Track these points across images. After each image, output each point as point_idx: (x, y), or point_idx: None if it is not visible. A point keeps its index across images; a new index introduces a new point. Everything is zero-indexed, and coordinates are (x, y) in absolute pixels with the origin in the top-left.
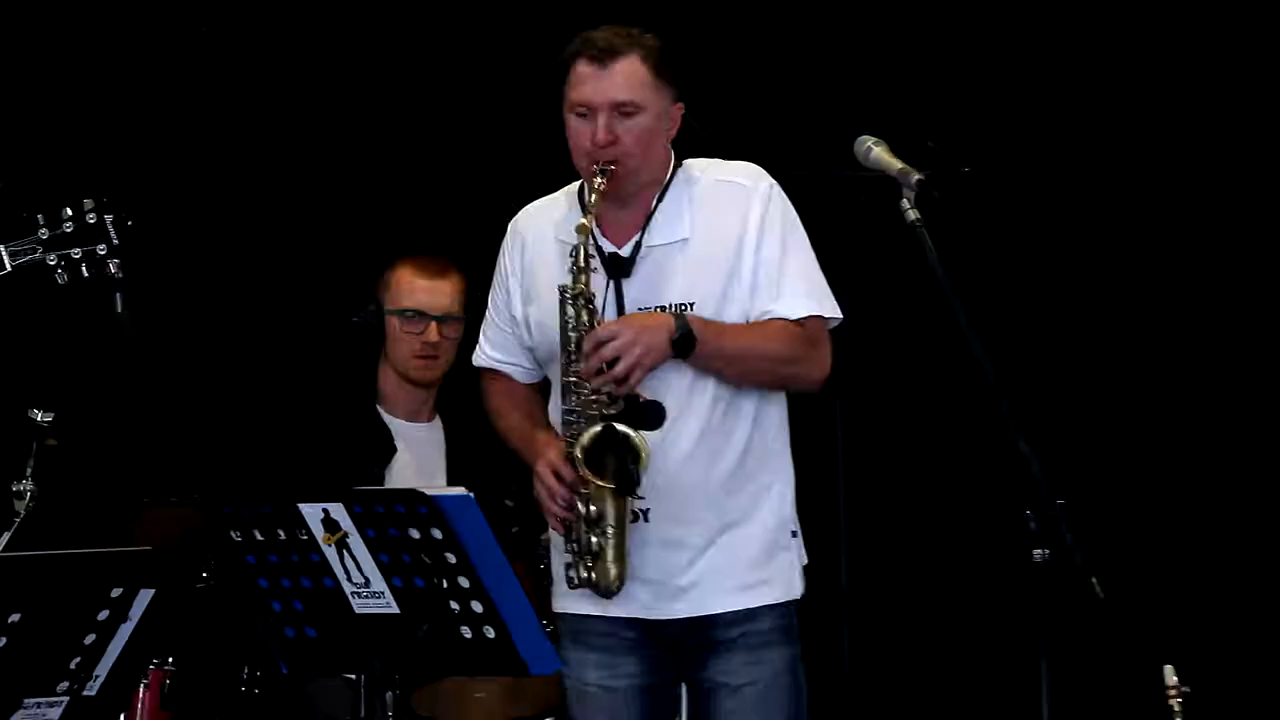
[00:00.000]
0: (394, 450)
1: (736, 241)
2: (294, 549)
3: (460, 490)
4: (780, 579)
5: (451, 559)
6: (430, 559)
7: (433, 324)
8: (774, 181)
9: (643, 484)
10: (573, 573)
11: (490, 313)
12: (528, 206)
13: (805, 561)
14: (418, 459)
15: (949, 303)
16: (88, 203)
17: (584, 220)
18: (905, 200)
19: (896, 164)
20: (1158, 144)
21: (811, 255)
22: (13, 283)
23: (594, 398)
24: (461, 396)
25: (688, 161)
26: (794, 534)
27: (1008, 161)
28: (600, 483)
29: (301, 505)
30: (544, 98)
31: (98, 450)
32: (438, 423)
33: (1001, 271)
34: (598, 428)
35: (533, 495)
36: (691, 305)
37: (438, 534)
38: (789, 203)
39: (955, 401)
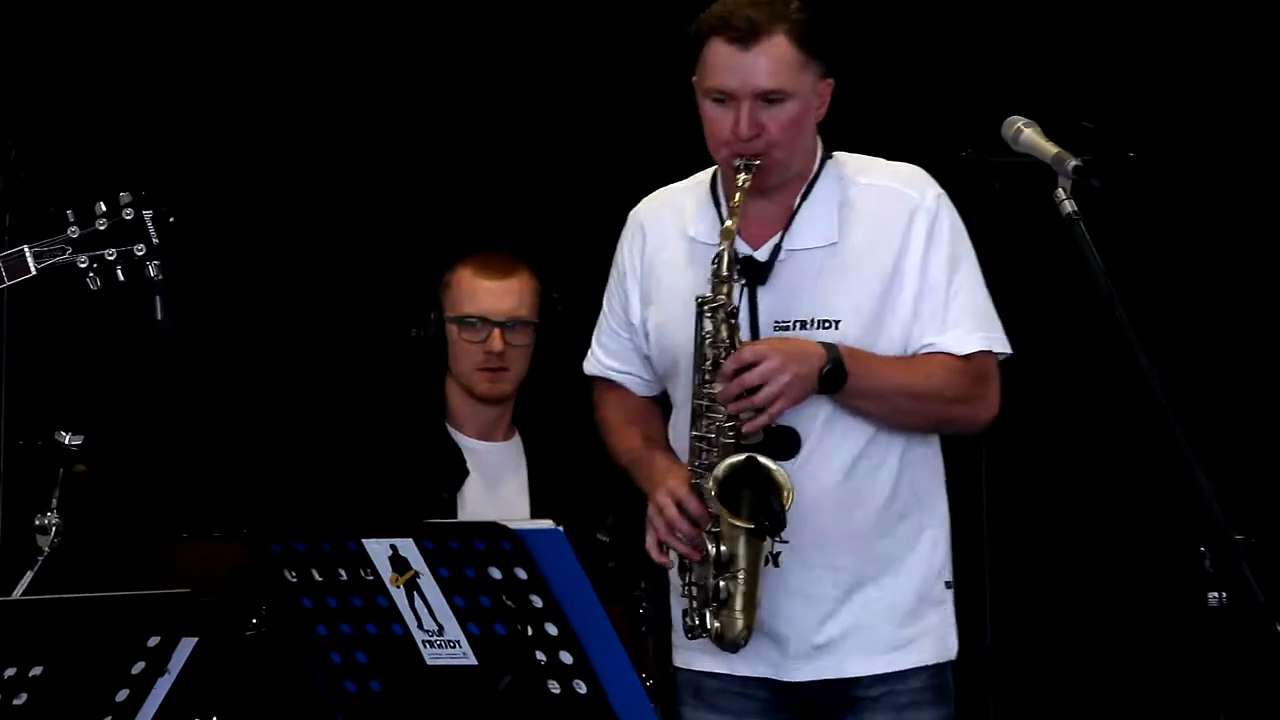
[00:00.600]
0: (466, 473)
1: (895, 258)
2: (357, 591)
3: (547, 523)
4: (931, 637)
5: (537, 602)
6: (513, 602)
7: (495, 331)
8: (942, 191)
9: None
10: (692, 620)
11: (605, 314)
12: (649, 197)
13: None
14: (493, 483)
15: (1111, 310)
16: (124, 196)
17: (729, 223)
18: (1060, 190)
19: (1051, 148)
20: None
21: (980, 279)
22: (39, 287)
23: (729, 424)
24: (543, 409)
25: (840, 155)
26: (948, 585)
27: (1181, 145)
28: (737, 521)
29: (365, 541)
30: (623, 85)
31: (132, 478)
32: (516, 441)
33: (1173, 274)
34: (738, 458)
35: (630, 528)
36: (836, 324)
37: (522, 574)
38: (958, 217)
39: (1118, 425)
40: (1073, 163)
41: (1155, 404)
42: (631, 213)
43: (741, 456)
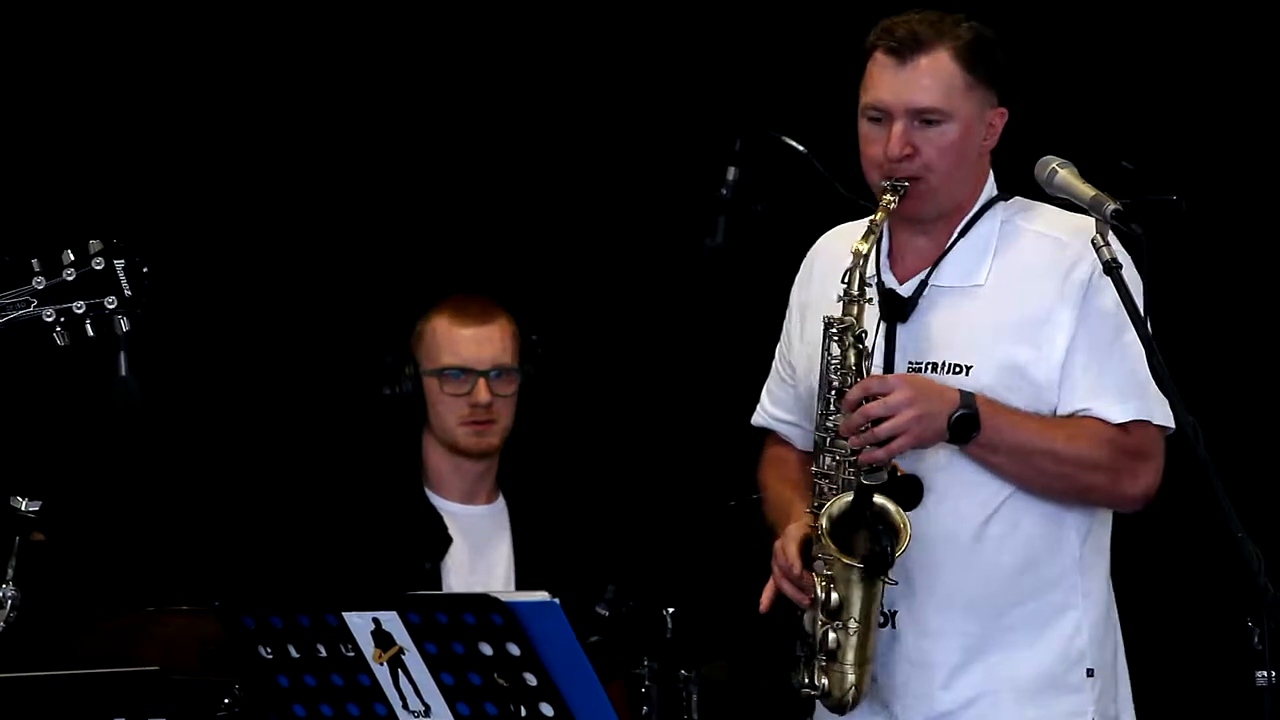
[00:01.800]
0: (449, 540)
1: (1048, 308)
2: (337, 668)
3: (542, 595)
4: None
5: (531, 680)
6: (506, 680)
7: (481, 381)
8: (1119, 247)
9: (893, 575)
10: (800, 677)
11: (775, 363)
12: (828, 233)
13: (1113, 715)
14: (478, 551)
15: (1151, 361)
16: (94, 244)
17: (860, 243)
18: (1098, 235)
19: (1088, 190)
20: None
21: (1141, 348)
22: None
23: (852, 460)
24: (530, 469)
25: (1020, 198)
26: (1090, 673)
27: (1228, 187)
28: (845, 559)
29: (346, 614)
30: (615, 121)
31: (93, 547)
32: (501, 504)
33: (1219, 326)
34: (851, 495)
35: (632, 600)
36: (969, 369)
37: (515, 649)
38: (1132, 275)
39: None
40: (1112, 206)
41: (1198, 465)
42: (809, 251)
43: (852, 494)
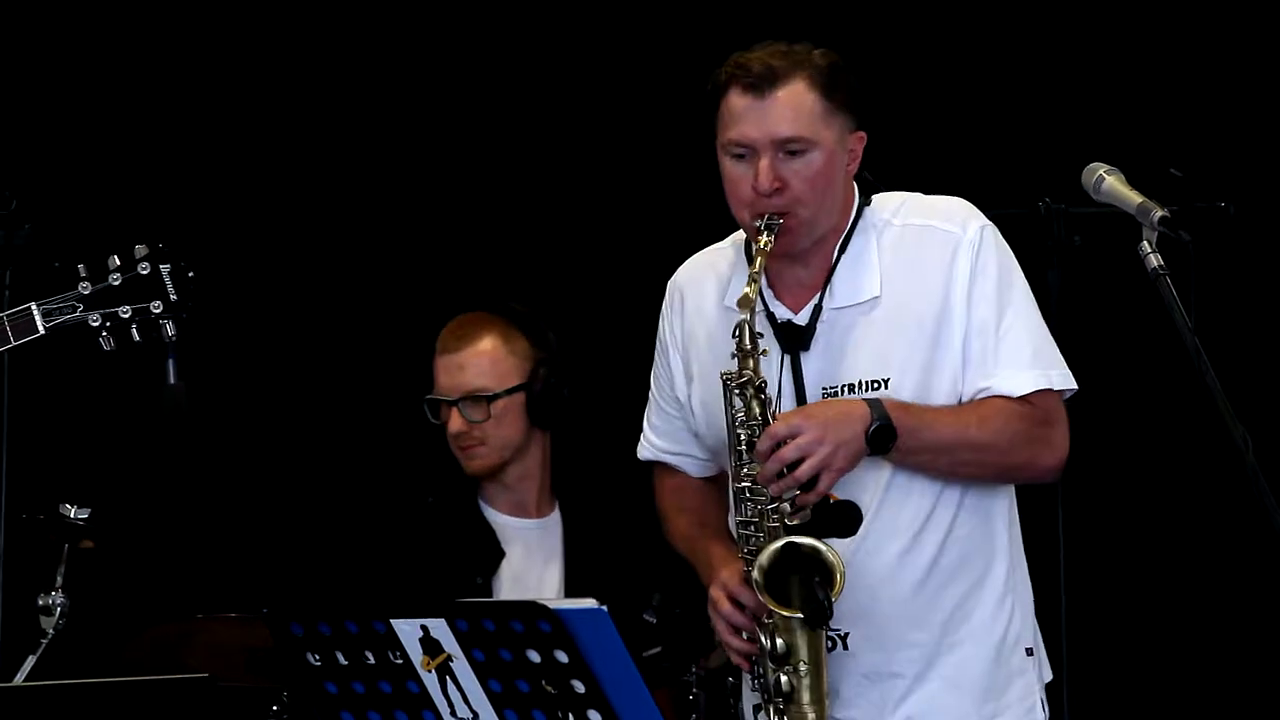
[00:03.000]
0: (501, 554)
1: (941, 302)
2: (385, 676)
3: (590, 602)
4: (1016, 709)
5: (579, 688)
6: (553, 687)
7: (452, 411)
8: (987, 222)
9: (840, 602)
10: (763, 717)
11: (653, 393)
12: (689, 261)
13: (1049, 678)
14: (527, 565)
15: (1198, 370)
16: (140, 250)
17: (746, 290)
18: (1146, 243)
19: (1135, 198)
20: None
21: (1034, 312)
22: (47, 348)
23: (774, 506)
24: (585, 478)
25: (878, 198)
26: (1029, 652)
27: (1276, 194)
28: (785, 612)
29: (394, 621)
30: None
31: (142, 554)
32: (554, 517)
33: (1267, 332)
34: (778, 544)
35: (680, 607)
36: (886, 382)
37: (563, 656)
38: (1005, 248)
39: (1204, 489)
40: (1159, 213)
41: (1247, 474)
42: (670, 281)
43: (780, 543)
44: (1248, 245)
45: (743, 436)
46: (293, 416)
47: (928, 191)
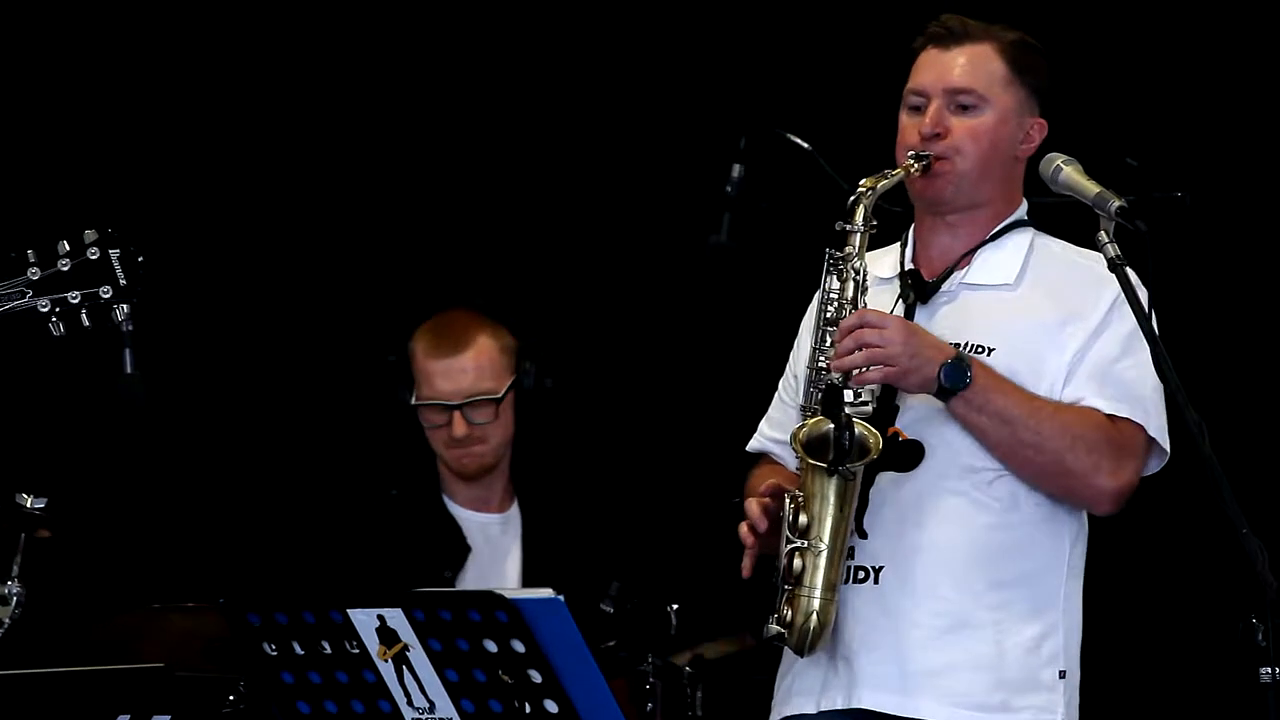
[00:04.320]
0: (468, 549)
1: (1071, 316)
2: (342, 665)
3: (547, 592)
4: (1030, 712)
5: (536, 677)
6: (510, 677)
7: (456, 415)
8: (1141, 286)
9: (882, 537)
10: (769, 619)
11: (779, 391)
12: None
13: (1071, 700)
14: (489, 559)
15: (1155, 358)
16: (89, 235)
17: (869, 180)
18: (1103, 233)
19: (1093, 188)
20: None
21: (1154, 376)
22: None
23: (842, 386)
24: (544, 473)
25: (1042, 233)
26: (1062, 675)
27: (1233, 184)
28: (811, 460)
29: (351, 611)
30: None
31: (99, 544)
32: (514, 512)
33: (1224, 323)
34: (827, 424)
35: (636, 597)
36: (991, 351)
37: (519, 646)
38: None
39: (1162, 484)
40: (1116, 203)
41: (1202, 461)
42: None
43: (827, 422)
44: (1204, 235)
45: (829, 315)
46: (252, 407)
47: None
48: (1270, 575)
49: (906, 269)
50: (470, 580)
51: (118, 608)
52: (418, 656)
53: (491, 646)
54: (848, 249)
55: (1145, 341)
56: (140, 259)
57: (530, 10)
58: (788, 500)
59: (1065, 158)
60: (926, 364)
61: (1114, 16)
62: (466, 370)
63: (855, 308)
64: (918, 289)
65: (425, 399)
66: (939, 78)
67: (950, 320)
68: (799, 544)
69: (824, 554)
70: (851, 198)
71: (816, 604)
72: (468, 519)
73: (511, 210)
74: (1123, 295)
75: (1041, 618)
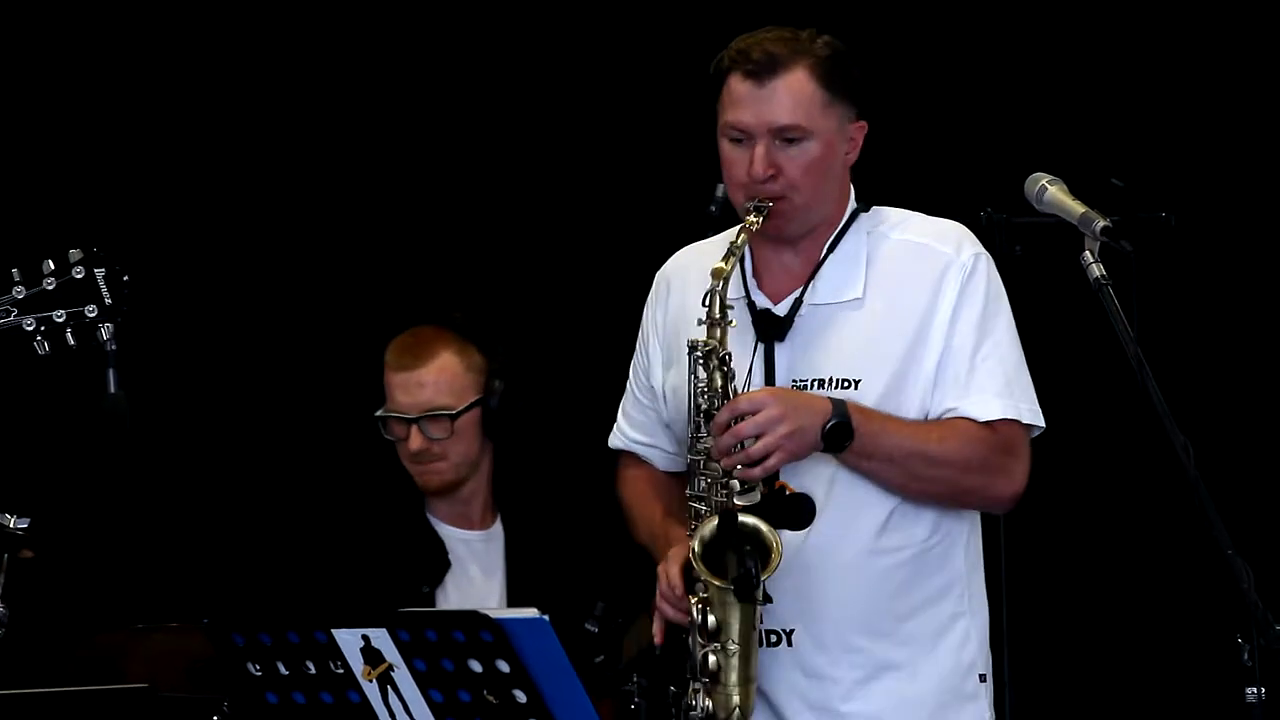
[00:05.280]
0: (448, 565)
1: (923, 317)
2: (326, 686)
3: (532, 612)
4: None
5: (521, 697)
6: (495, 697)
7: (413, 429)
8: (982, 251)
9: (787, 599)
10: (687, 702)
11: (630, 384)
12: (679, 252)
13: (990, 703)
14: (470, 576)
15: (1140, 380)
16: (74, 254)
17: (720, 263)
18: (1088, 253)
19: (1078, 208)
20: None
21: (1015, 346)
22: None
23: (724, 481)
24: (528, 489)
25: (877, 208)
26: (982, 678)
27: (1220, 203)
28: (717, 582)
29: (336, 631)
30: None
31: (83, 564)
32: (497, 528)
33: (1210, 344)
34: (718, 519)
35: (622, 617)
36: (857, 384)
37: (504, 666)
38: (996, 279)
39: (1148, 504)
40: (1101, 223)
41: (1189, 483)
42: (659, 271)
43: (719, 518)
44: (1189, 256)
45: (702, 406)
46: (235, 424)
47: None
48: (1256, 596)
49: (751, 298)
50: (450, 596)
51: (101, 628)
52: (402, 677)
53: (476, 667)
54: (711, 341)
55: (1001, 310)
56: (125, 278)
57: (509, 21)
58: (693, 601)
59: (1050, 177)
60: (807, 433)
61: (1101, 36)
62: (424, 384)
63: (726, 398)
64: (771, 327)
65: (387, 411)
66: (759, 117)
67: (810, 352)
68: (712, 645)
69: (737, 653)
70: (706, 292)
71: (737, 699)
72: (450, 534)
73: (498, 226)
74: (969, 268)
75: (952, 632)
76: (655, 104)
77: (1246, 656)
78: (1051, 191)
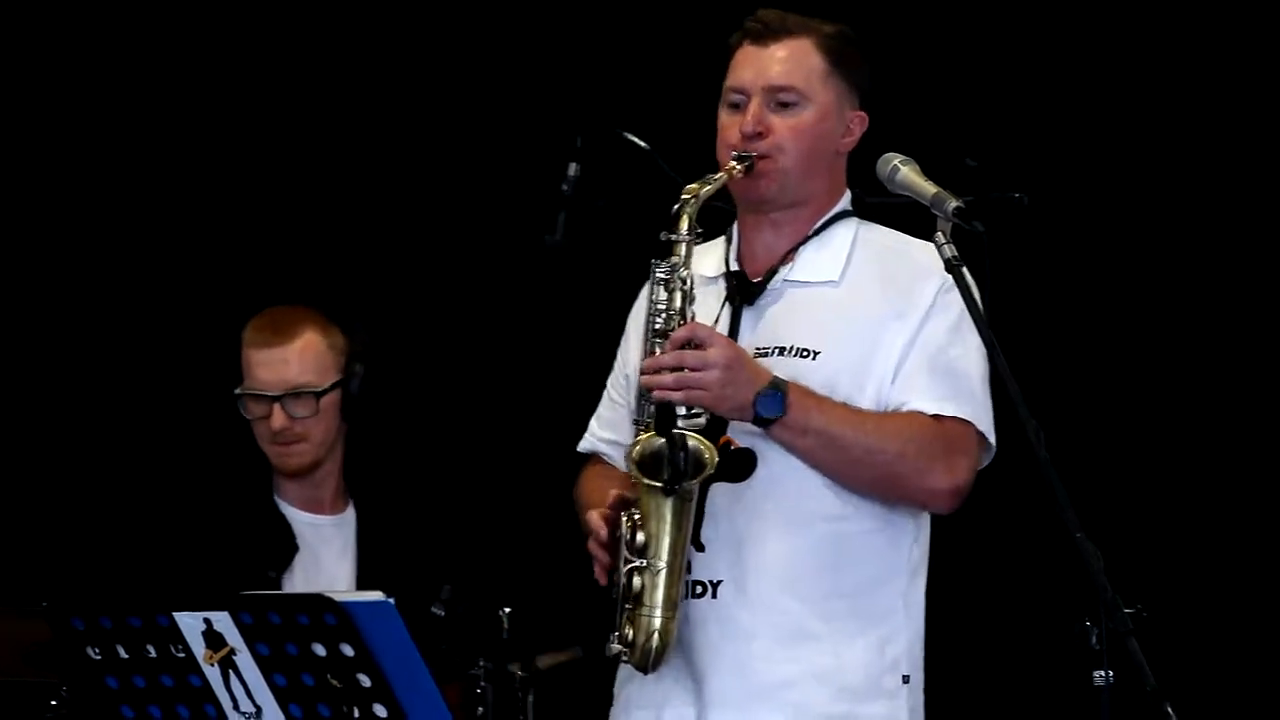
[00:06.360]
0: (295, 549)
1: (896, 311)
2: (167, 669)
3: (377, 595)
4: None
5: (365, 681)
6: (339, 681)
7: (274, 406)
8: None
9: (719, 551)
10: (612, 636)
11: (607, 388)
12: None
13: (913, 707)
14: (319, 561)
15: (992, 360)
16: None
17: (694, 185)
18: (940, 233)
19: (930, 188)
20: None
21: (982, 365)
22: None
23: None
24: (374, 476)
25: (866, 222)
26: (905, 679)
27: (1072, 183)
28: (647, 480)
29: (177, 614)
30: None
31: None
32: (349, 514)
33: (1061, 321)
34: (659, 440)
35: (468, 601)
36: (816, 354)
37: (348, 650)
38: (975, 303)
39: (999, 488)
40: (953, 204)
41: (1038, 465)
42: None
43: (659, 438)
44: (1041, 236)
45: (657, 325)
46: (76, 406)
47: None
48: (1105, 579)
49: (731, 269)
50: (298, 580)
51: None
52: (245, 660)
53: (320, 650)
54: (674, 259)
55: (974, 330)
56: None
57: (366, 9)
58: (624, 518)
59: (902, 158)
60: (739, 393)
61: (953, 20)
62: (289, 361)
63: (684, 319)
64: (742, 290)
65: (246, 389)
66: (758, 75)
67: (776, 322)
68: (638, 563)
69: (663, 572)
70: (675, 206)
71: (658, 623)
72: (298, 519)
73: (346, 208)
74: (949, 282)
75: (883, 624)
76: (500, 95)
77: (1095, 640)
78: (904, 172)
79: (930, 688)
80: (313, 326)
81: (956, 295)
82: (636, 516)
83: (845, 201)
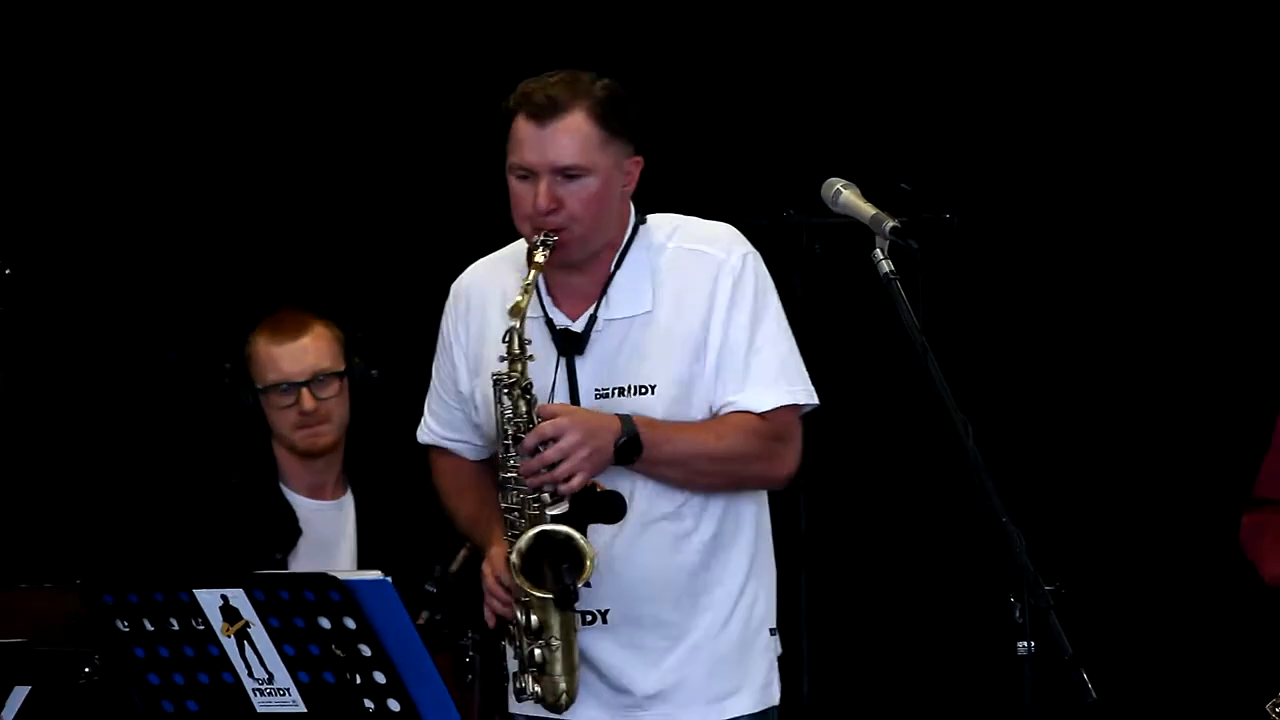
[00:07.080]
0: (299, 533)
1: (703, 320)
2: (188, 641)
3: (375, 574)
4: (754, 685)
5: (366, 651)
6: (342, 651)
7: (304, 391)
8: (750, 250)
9: (602, 584)
10: (519, 683)
11: (435, 384)
12: (471, 267)
13: (779, 651)
14: (323, 542)
15: (925, 364)
16: None
17: (518, 300)
18: (878, 250)
19: (869, 209)
20: (1177, 191)
21: (785, 334)
22: None
23: (535, 495)
24: (375, 462)
25: (653, 219)
26: (772, 632)
27: (997, 206)
28: (538, 594)
29: (197, 591)
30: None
31: None
32: (348, 499)
33: (988, 333)
34: (534, 532)
35: (458, 579)
36: (653, 389)
37: (350, 623)
38: (765, 275)
39: (930, 476)
40: (890, 224)
41: (966, 456)
42: (454, 284)
43: (535, 531)
44: (969, 253)
45: (510, 432)
46: (108, 400)
47: (687, 204)
48: (1027, 559)
49: (555, 324)
50: (301, 562)
51: None
52: (258, 632)
53: (325, 623)
54: (514, 374)
55: (770, 303)
56: (7, 271)
57: (368, 11)
58: (517, 606)
59: (845, 182)
60: (604, 452)
61: (894, 53)
62: (309, 350)
63: (531, 423)
64: (569, 342)
65: (271, 383)
66: (542, 158)
67: (609, 363)
68: (537, 642)
69: (560, 647)
70: (505, 331)
71: (563, 685)
72: (302, 504)
73: (346, 209)
74: (739, 269)
75: (744, 596)
76: (485, 93)
77: (1018, 614)
78: (846, 195)
79: (873, 657)
80: (319, 321)
81: (749, 278)
82: (528, 601)
83: (632, 221)
